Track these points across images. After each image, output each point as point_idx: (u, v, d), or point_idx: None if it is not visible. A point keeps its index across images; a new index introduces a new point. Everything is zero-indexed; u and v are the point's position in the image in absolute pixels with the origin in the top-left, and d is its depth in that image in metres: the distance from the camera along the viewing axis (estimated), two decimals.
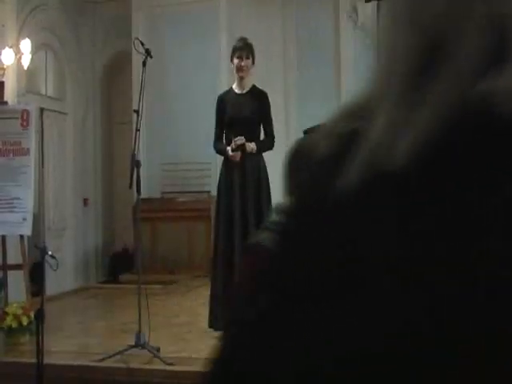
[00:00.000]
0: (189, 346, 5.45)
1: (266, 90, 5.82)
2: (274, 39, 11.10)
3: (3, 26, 8.93)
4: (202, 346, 5.38)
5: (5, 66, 8.63)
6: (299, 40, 11.16)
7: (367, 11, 10.33)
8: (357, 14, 10.62)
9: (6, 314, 5.72)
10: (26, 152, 6.87)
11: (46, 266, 4.91)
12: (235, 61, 5.76)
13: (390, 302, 0.60)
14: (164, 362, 4.82)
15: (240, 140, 5.53)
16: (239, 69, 5.75)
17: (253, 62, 5.81)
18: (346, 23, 10.74)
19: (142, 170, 5.23)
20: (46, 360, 4.62)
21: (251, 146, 5.58)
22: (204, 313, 5.83)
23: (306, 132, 5.67)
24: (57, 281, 9.90)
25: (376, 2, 5.06)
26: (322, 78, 10.89)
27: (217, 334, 5.60)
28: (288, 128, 10.88)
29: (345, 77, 10.72)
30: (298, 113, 10.99)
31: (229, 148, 5.61)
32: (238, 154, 5.54)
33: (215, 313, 5.55)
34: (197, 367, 4.78)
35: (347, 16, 10.72)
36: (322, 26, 10.99)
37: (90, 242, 11.82)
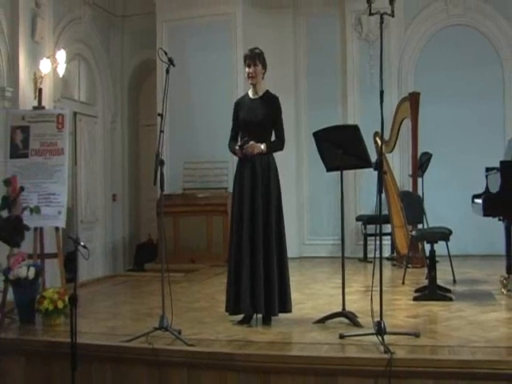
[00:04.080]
0: (208, 328, 5.45)
1: (277, 94, 5.80)
2: (285, 49, 11.10)
3: (42, 38, 8.97)
4: (219, 329, 5.39)
5: (43, 75, 8.66)
6: (309, 50, 11.17)
7: (371, 23, 10.30)
8: (361, 26, 10.59)
9: (44, 298, 5.74)
10: (61, 152, 6.90)
11: (79, 256, 4.93)
12: (246, 69, 5.75)
13: None
14: (185, 343, 4.82)
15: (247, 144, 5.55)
16: (248, 75, 5.74)
17: (263, 68, 5.75)
18: (351, 35, 10.72)
19: (165, 168, 5.24)
20: (79, 340, 4.63)
21: (261, 148, 5.57)
22: (222, 298, 5.83)
23: (314, 134, 5.67)
24: (88, 269, 9.98)
25: (379, 15, 5.01)
26: (330, 84, 10.89)
27: (233, 318, 5.62)
28: (298, 130, 10.90)
29: (350, 84, 10.70)
30: (307, 116, 10.99)
31: (237, 147, 5.62)
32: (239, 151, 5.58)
33: (231, 298, 5.56)
34: (215, 348, 4.79)
35: (353, 28, 10.69)
36: (329, 37, 10.99)
37: (118, 233, 11.87)
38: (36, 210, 6.46)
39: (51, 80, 9.16)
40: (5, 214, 6.06)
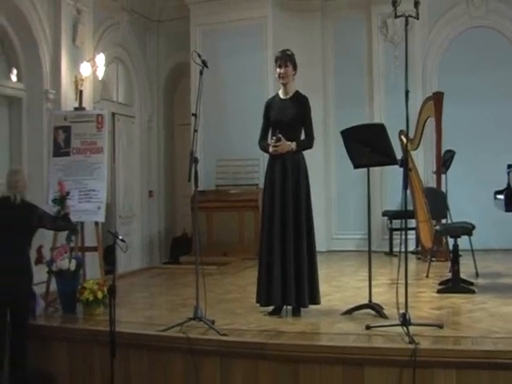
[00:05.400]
0: (239, 319, 5.46)
1: (307, 94, 5.77)
2: (314, 51, 11.06)
3: (82, 43, 9.05)
4: (251, 319, 5.40)
5: (83, 77, 8.74)
6: (336, 51, 11.12)
7: (396, 26, 10.21)
8: (387, 29, 10.51)
9: (84, 288, 5.81)
10: (100, 150, 6.94)
11: (117, 249, 4.97)
12: (277, 69, 5.73)
13: None
14: (218, 332, 4.84)
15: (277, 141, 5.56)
16: (279, 76, 5.71)
17: (294, 69, 5.73)
18: (377, 37, 10.65)
19: (199, 165, 5.24)
20: (117, 328, 4.68)
21: (291, 146, 5.56)
22: (253, 290, 5.83)
23: (342, 132, 5.64)
24: (126, 261, 10.05)
25: (404, 18, 4.97)
26: (357, 84, 10.83)
27: (263, 309, 5.62)
28: (326, 129, 10.85)
29: (376, 84, 10.64)
30: (335, 115, 10.94)
31: (272, 140, 5.61)
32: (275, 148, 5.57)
33: (263, 290, 5.55)
34: (247, 338, 4.80)
35: (378, 30, 10.62)
36: (356, 40, 10.92)
37: (154, 228, 11.93)
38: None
39: (91, 82, 9.23)
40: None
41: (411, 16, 4.96)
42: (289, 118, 5.60)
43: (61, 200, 6.30)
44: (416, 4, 4.97)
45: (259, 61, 10.52)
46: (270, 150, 5.60)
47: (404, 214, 5.20)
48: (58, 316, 5.96)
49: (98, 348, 5.14)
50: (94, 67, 8.99)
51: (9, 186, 5.30)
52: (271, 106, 5.77)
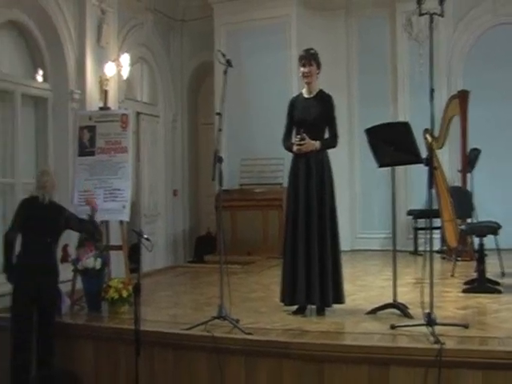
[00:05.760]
0: (264, 318, 5.46)
1: (331, 93, 5.75)
2: (338, 50, 11.04)
3: (107, 43, 9.11)
4: (275, 318, 5.40)
5: (108, 77, 8.79)
6: (361, 50, 11.09)
7: (421, 24, 10.13)
8: (411, 27, 10.44)
9: (109, 287, 5.85)
10: (125, 150, 6.98)
11: (142, 248, 4.99)
12: (300, 69, 5.72)
13: None
14: (243, 331, 4.85)
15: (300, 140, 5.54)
16: (303, 75, 5.70)
17: (318, 68, 5.71)
18: (401, 35, 10.59)
19: (223, 164, 5.25)
20: (142, 327, 4.71)
21: (315, 145, 5.54)
22: (277, 289, 5.83)
23: (366, 131, 5.61)
24: (151, 260, 10.10)
25: (429, 16, 4.93)
26: (381, 83, 10.78)
27: (287, 308, 5.62)
28: (351, 127, 10.81)
29: (400, 82, 10.58)
30: (359, 114, 10.91)
31: (297, 138, 5.60)
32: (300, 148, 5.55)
33: (287, 289, 5.55)
34: (271, 337, 4.80)
35: (403, 28, 10.55)
36: (380, 38, 10.88)
37: (179, 226, 11.98)
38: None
39: (116, 82, 9.28)
40: None
41: (436, 14, 4.93)
42: (313, 117, 5.59)
43: (90, 219, 6.31)
44: (441, 1, 4.93)
45: (283, 59, 10.51)
46: (294, 148, 5.60)
47: (429, 213, 5.17)
48: (83, 314, 6.02)
49: (122, 346, 5.18)
50: (119, 67, 9.04)
51: (38, 187, 5.41)
52: (295, 104, 5.76)
